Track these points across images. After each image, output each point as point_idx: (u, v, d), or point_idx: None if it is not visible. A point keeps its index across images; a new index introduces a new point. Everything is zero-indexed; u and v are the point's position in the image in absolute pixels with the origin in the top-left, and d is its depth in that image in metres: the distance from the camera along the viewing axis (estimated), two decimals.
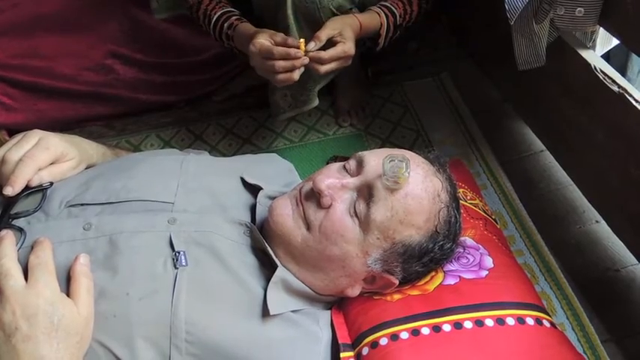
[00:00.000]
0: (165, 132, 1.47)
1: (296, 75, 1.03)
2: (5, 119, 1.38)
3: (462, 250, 0.86)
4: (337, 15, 1.14)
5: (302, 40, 1.02)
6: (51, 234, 0.70)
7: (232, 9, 1.17)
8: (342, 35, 1.07)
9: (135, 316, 0.67)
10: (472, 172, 1.26)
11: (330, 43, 1.06)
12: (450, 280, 0.82)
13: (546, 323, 0.79)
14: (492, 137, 1.37)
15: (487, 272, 0.84)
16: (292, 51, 1.01)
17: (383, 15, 1.16)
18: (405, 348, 0.73)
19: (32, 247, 0.67)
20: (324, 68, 1.06)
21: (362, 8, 1.20)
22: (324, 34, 1.05)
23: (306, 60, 1.03)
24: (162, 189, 0.80)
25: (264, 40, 1.03)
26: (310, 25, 1.14)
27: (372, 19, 1.15)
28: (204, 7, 1.18)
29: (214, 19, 1.16)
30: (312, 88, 1.25)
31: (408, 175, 0.74)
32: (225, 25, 1.14)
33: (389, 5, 1.18)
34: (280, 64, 1.02)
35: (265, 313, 0.73)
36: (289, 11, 1.13)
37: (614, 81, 0.95)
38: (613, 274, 1.10)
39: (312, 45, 1.03)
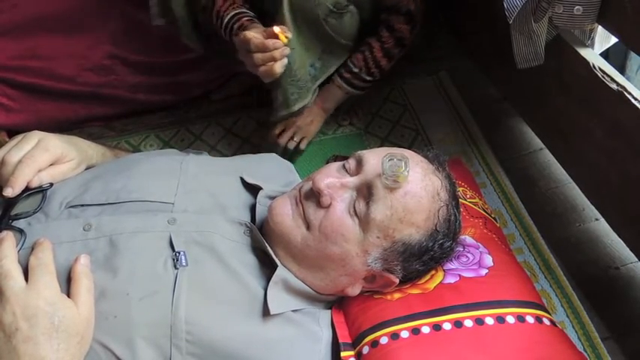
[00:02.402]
0: (165, 132, 1.47)
1: (277, 67, 0.97)
2: (5, 120, 1.38)
3: (461, 249, 0.87)
4: (334, 11, 1.14)
5: (279, 29, 0.95)
6: (51, 235, 0.70)
7: (246, 10, 1.15)
8: None
9: (135, 316, 0.67)
10: (471, 170, 1.26)
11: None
12: (450, 279, 0.82)
13: (546, 321, 0.79)
14: (491, 136, 1.37)
15: (487, 271, 0.84)
16: (269, 42, 0.94)
17: (339, 81, 1.26)
18: (406, 347, 0.73)
19: (32, 248, 0.67)
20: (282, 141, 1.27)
21: (358, 4, 1.20)
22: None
23: (286, 50, 0.96)
24: (162, 189, 0.80)
25: (253, 32, 0.98)
26: (308, 24, 1.14)
27: (334, 95, 1.28)
28: (218, 8, 1.15)
29: (226, 20, 1.13)
30: (304, 86, 1.21)
31: (407, 174, 0.74)
32: (235, 25, 1.11)
33: (349, 64, 1.25)
34: (258, 56, 0.96)
35: (266, 312, 0.73)
36: (285, 10, 1.11)
37: (612, 79, 0.95)
38: (613, 272, 1.10)
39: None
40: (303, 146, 1.32)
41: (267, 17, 1.17)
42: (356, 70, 1.26)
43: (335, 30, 1.20)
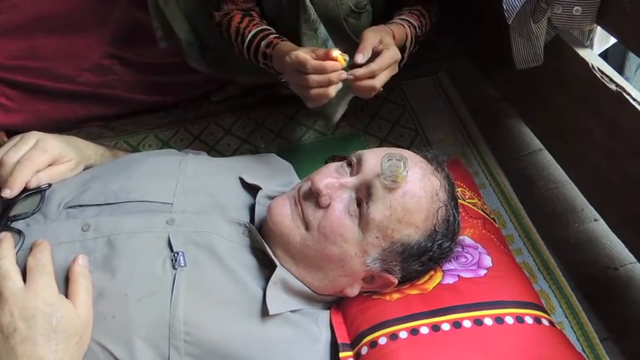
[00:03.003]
0: (164, 132, 1.47)
1: (332, 90, 0.93)
2: (4, 120, 1.38)
3: (460, 249, 0.87)
4: (355, 11, 1.12)
5: (338, 52, 0.92)
6: (49, 235, 0.70)
7: (268, 27, 1.11)
8: (383, 43, 0.99)
9: (134, 316, 0.67)
10: (470, 171, 1.26)
11: (373, 54, 0.99)
12: (449, 279, 0.82)
13: (545, 322, 0.79)
14: (490, 136, 1.37)
15: (486, 271, 0.84)
16: (328, 64, 0.90)
17: (407, 26, 1.13)
18: (404, 347, 0.73)
19: (31, 249, 0.67)
20: (379, 81, 0.97)
21: (375, 6, 1.19)
22: (368, 45, 0.96)
23: (343, 75, 0.92)
24: (161, 189, 0.80)
25: (303, 53, 0.94)
26: (328, 25, 1.11)
27: (400, 30, 1.11)
28: (236, 24, 1.11)
29: (249, 37, 1.08)
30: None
31: (406, 174, 0.74)
32: (263, 43, 1.07)
33: (407, 18, 1.15)
34: (314, 78, 0.91)
35: (264, 313, 0.73)
36: (309, 11, 1.06)
37: (611, 79, 0.95)
38: (611, 273, 1.10)
39: (360, 57, 0.95)
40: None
41: (278, 27, 1.13)
42: (416, 24, 1.14)
43: (353, 29, 1.16)
